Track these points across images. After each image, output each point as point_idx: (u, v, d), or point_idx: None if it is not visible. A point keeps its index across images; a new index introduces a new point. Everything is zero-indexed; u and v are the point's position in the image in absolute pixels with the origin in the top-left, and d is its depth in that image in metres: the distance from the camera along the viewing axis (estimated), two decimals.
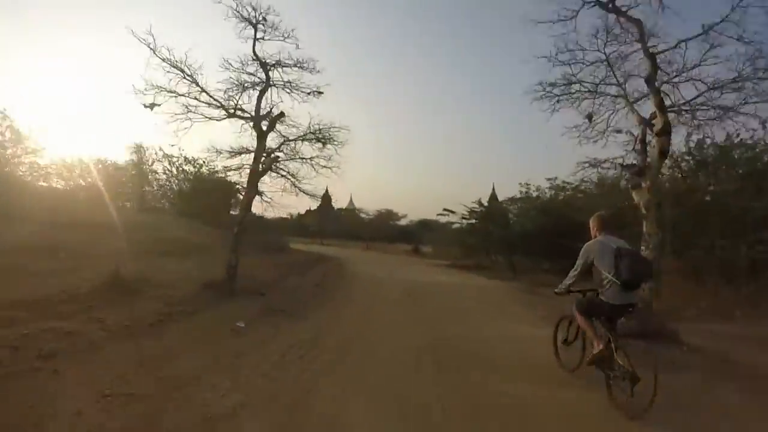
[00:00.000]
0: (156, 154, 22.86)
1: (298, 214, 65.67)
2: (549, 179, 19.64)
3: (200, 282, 9.22)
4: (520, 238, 18.99)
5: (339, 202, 54.24)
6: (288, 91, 11.04)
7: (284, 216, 67.89)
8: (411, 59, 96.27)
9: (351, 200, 62.25)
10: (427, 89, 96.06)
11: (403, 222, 54.93)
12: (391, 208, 50.26)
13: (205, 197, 23.56)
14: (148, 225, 17.63)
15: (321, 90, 11.25)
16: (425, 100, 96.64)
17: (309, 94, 11.16)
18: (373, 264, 20.55)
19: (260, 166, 10.25)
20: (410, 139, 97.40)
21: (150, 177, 23.05)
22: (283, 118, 10.68)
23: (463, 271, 20.33)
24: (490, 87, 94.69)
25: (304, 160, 12.22)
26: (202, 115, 10.19)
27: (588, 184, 18.76)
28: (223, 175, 25.95)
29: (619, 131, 12.44)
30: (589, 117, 11.24)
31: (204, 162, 24.33)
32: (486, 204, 26.62)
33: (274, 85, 10.90)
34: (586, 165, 14.70)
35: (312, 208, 66.15)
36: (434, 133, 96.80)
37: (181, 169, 23.97)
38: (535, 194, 19.89)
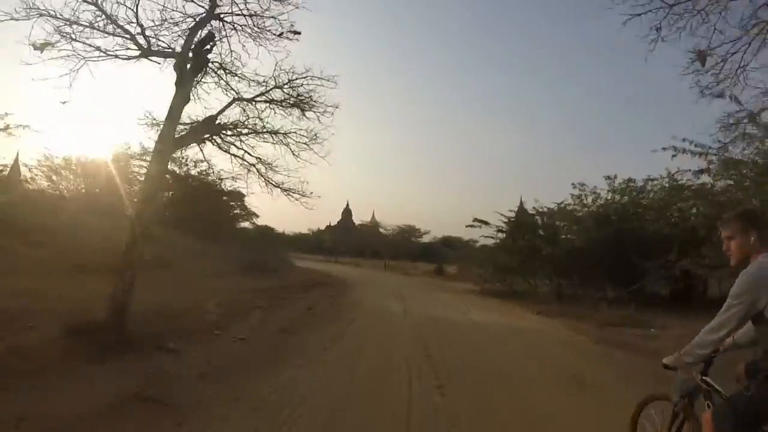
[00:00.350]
0: (130, 149, 19.09)
1: (318, 229, 62.42)
2: (607, 178, 15.08)
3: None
4: (571, 257, 14.39)
5: (361, 217, 50.16)
6: (245, 29, 7.13)
7: (304, 232, 65.06)
8: (432, 71, 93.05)
9: (373, 216, 58.44)
10: (452, 101, 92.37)
11: (425, 239, 50.71)
12: (413, 224, 45.98)
13: (196, 205, 19.92)
14: (108, 232, 14.01)
15: (297, 30, 7.35)
16: (448, 113, 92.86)
17: (280, 35, 7.26)
18: (387, 289, 16.22)
19: (176, 130, 6.25)
20: (433, 154, 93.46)
21: (130, 177, 19.38)
22: (213, 43, 6.71)
23: (498, 300, 15.77)
24: (516, 94, 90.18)
25: (275, 137, 8.25)
26: (99, 50, 6.39)
27: (657, 182, 14.25)
28: (217, 179, 22.60)
29: (720, 95, 8.47)
30: (702, 57, 7.39)
31: (195, 162, 20.83)
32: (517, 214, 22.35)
33: (224, 20, 7.03)
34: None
35: (332, 224, 63.20)
36: (458, 147, 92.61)
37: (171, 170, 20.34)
38: (590, 198, 15.24)
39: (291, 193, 8.14)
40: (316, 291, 13.10)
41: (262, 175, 8.29)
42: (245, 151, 8.24)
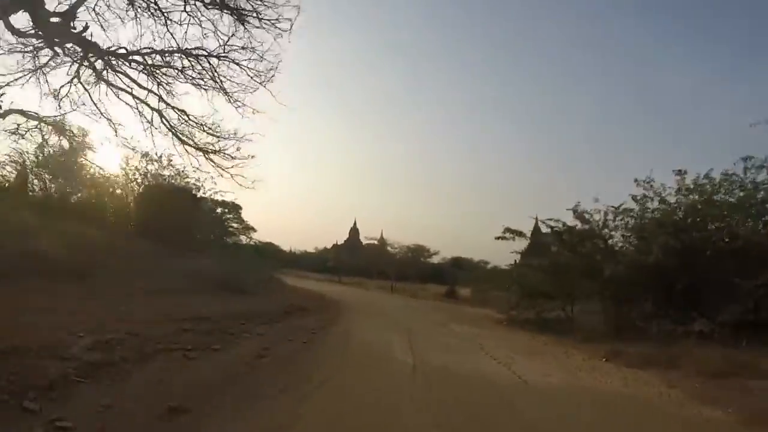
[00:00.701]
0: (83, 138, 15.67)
1: (324, 248, 58.67)
2: (678, 173, 11.36)
3: None
4: (638, 276, 10.58)
5: (370, 236, 46.31)
6: None
7: (310, 250, 61.40)
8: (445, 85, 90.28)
9: (381, 234, 54.63)
10: (461, 116, 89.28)
11: (434, 260, 46.65)
12: (423, 244, 41.99)
13: (168, 210, 16.46)
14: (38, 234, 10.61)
15: None
16: (456, 130, 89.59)
17: None
18: (390, 318, 12.48)
19: None
20: (442, 172, 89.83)
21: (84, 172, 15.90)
22: None
23: (535, 334, 11.95)
24: (529, 105, 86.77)
25: (198, 67, 4.83)
26: None
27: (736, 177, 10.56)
28: (190, 180, 19.20)
29: None
30: None
31: (167, 160, 17.52)
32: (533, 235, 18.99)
33: None
34: None
35: (338, 242, 59.46)
36: (468, 164, 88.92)
37: (139, 168, 16.99)
38: (656, 200, 11.43)
39: (212, 156, 4.69)
40: (292, 321, 9.41)
41: (171, 129, 4.87)
42: (159, 97, 4.83)
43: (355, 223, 59.09)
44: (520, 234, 12.80)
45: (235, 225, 33.62)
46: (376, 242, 45.90)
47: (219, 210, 31.29)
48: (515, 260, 47.17)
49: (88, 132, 15.50)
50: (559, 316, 15.74)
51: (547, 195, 70.67)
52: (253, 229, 34.87)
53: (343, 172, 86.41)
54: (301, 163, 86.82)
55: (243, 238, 35.19)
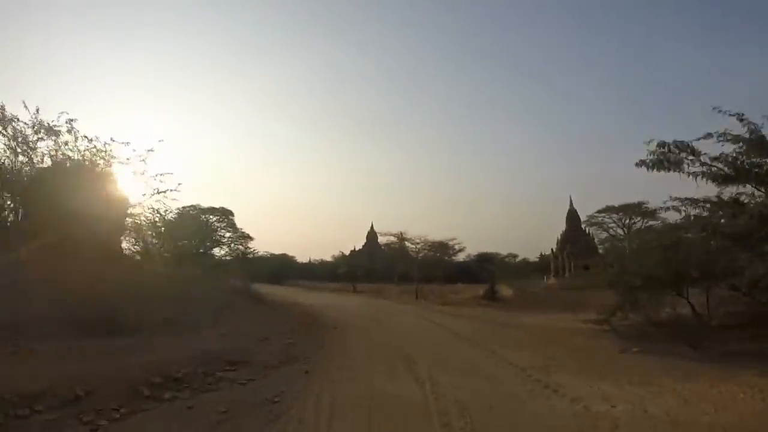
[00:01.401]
0: None
1: (341, 254, 52.67)
2: None
3: None
4: None
5: (385, 233, 39.67)
6: None
7: (327, 259, 55.44)
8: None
9: (401, 234, 48.27)
10: (492, 111, 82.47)
11: (460, 257, 39.93)
12: (446, 239, 35.23)
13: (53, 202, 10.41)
14: None
15: None
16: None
17: None
18: (429, 384, 5.91)
19: None
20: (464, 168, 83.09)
21: None
22: None
23: (734, 373, 5.40)
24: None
25: None
26: None
27: None
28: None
29: None
30: None
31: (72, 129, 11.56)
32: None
33: None
34: None
35: (356, 248, 53.27)
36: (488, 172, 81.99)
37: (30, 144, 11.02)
38: None
39: None
40: None
41: None
42: None
43: (372, 227, 53.17)
44: (693, 152, 5.92)
45: (227, 234, 27.76)
46: (394, 239, 39.51)
47: (204, 217, 25.57)
48: (552, 249, 38.70)
49: None
50: (673, 314, 9.55)
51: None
52: (249, 237, 28.95)
53: (356, 180, 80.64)
54: (314, 173, 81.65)
55: (240, 248, 29.23)
